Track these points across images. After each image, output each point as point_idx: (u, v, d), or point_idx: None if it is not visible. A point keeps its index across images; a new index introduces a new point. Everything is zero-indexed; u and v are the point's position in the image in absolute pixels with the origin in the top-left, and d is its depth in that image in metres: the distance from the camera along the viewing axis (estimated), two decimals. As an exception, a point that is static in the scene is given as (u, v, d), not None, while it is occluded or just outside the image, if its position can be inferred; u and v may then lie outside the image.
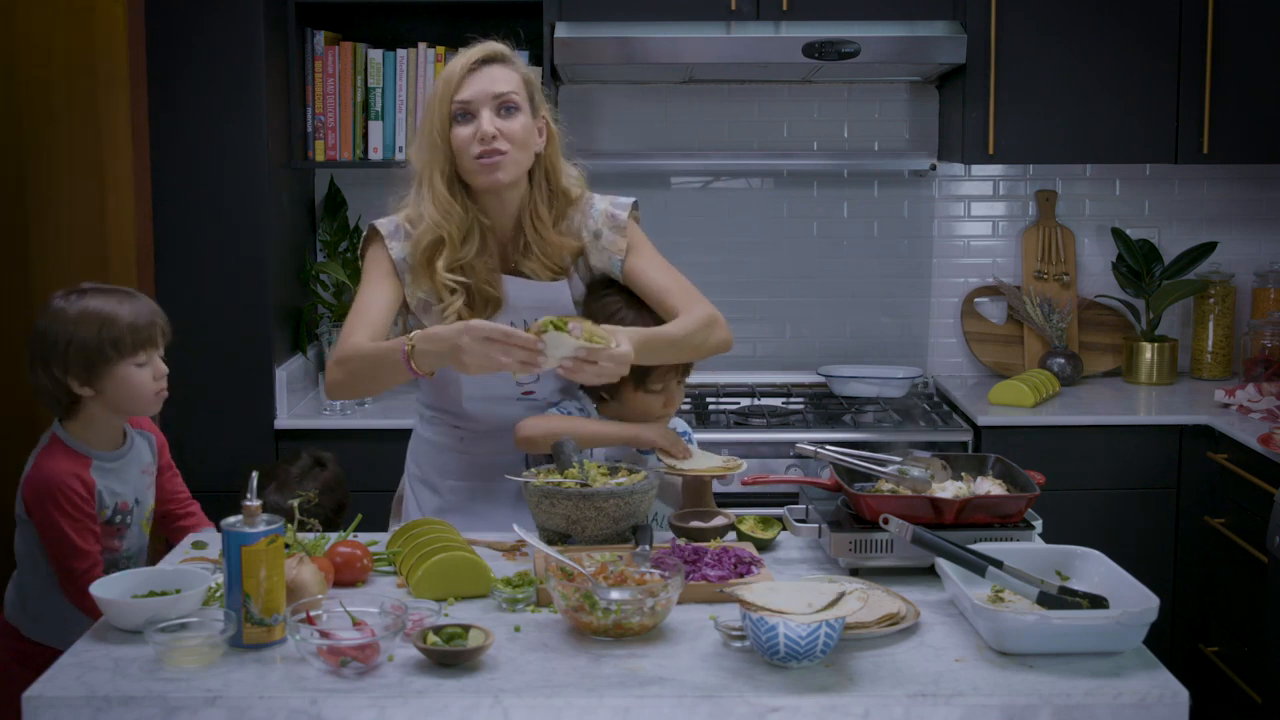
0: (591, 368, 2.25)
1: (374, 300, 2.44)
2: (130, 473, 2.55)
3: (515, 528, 2.20)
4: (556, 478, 2.32)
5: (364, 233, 2.53)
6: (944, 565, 2.02)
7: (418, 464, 2.67)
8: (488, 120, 2.37)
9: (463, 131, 2.38)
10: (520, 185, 2.46)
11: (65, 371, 2.43)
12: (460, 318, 2.38)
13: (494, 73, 2.41)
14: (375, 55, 3.87)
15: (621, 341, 2.28)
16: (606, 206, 2.54)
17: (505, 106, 2.39)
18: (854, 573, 2.20)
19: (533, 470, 2.38)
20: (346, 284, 3.94)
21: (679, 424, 2.69)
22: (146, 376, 2.48)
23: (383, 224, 2.50)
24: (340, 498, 3.08)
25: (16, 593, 2.55)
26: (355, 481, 3.51)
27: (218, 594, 2.04)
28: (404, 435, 3.57)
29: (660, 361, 2.46)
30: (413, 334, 2.28)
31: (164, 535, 2.68)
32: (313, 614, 1.91)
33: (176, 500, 2.69)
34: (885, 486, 2.30)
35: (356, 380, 2.39)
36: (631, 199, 2.58)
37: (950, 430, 3.66)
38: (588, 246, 2.52)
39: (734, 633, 1.90)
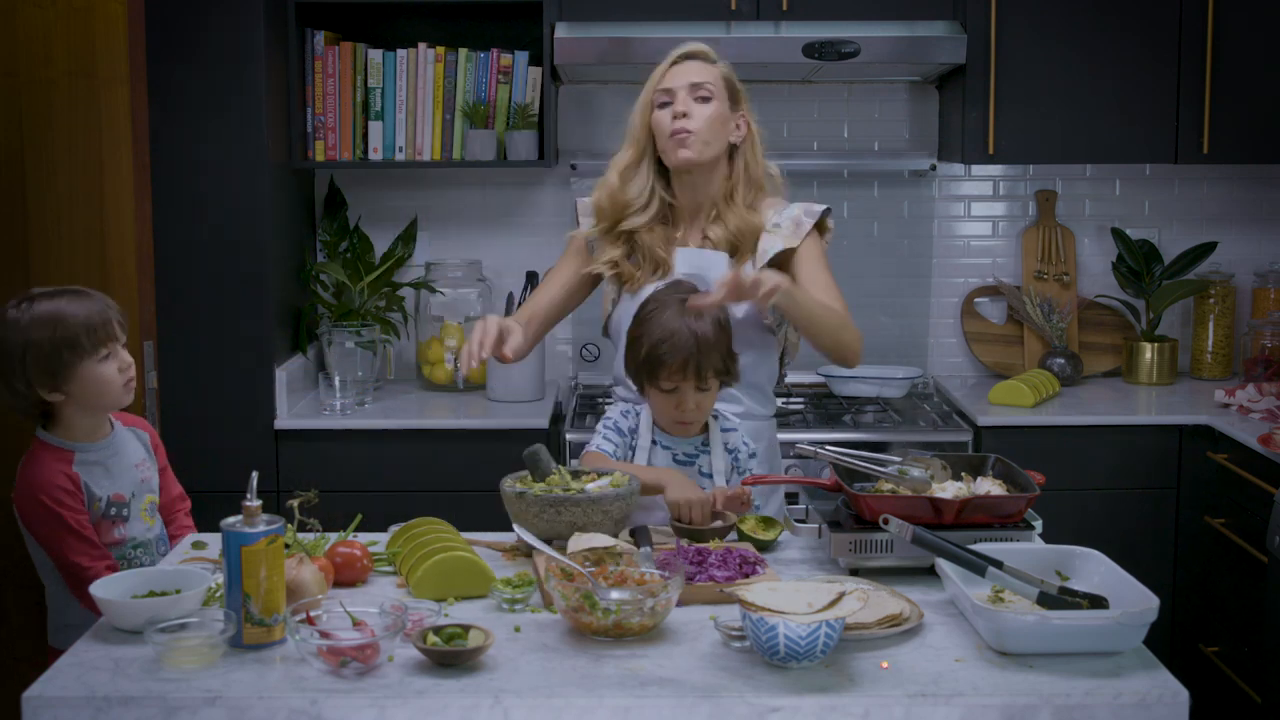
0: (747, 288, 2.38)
1: (548, 288, 2.81)
2: (119, 465, 2.49)
3: (515, 528, 2.20)
4: (530, 485, 2.30)
5: None
6: (944, 565, 2.02)
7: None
8: (682, 101, 2.65)
9: (662, 114, 2.68)
10: (716, 170, 2.71)
11: (28, 382, 2.38)
12: (615, 268, 2.73)
13: (693, 67, 2.70)
14: (375, 55, 3.87)
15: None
16: (799, 212, 2.72)
17: (700, 97, 2.66)
18: (854, 573, 2.20)
19: (510, 478, 2.35)
20: (346, 284, 3.94)
21: (740, 445, 2.63)
22: (112, 370, 2.43)
23: (583, 201, 2.86)
24: None
25: (51, 613, 2.51)
26: (355, 481, 3.52)
27: (218, 594, 2.04)
28: (404, 435, 3.61)
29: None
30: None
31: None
32: (313, 614, 1.91)
33: (169, 501, 2.65)
34: (885, 486, 2.30)
35: None
36: (823, 206, 2.74)
37: (950, 430, 3.66)
38: (766, 228, 2.70)
39: (734, 633, 1.90)
